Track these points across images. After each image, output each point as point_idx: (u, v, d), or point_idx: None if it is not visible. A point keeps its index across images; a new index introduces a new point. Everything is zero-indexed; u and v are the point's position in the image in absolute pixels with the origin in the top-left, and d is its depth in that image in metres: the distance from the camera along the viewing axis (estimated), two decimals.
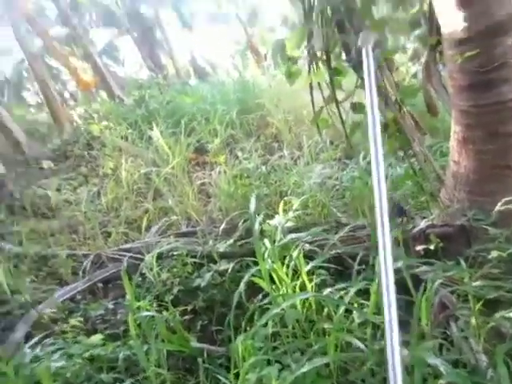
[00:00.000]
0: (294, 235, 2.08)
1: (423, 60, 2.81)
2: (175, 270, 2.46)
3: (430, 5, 2.57)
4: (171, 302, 2.18)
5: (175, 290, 2.31)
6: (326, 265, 2.16)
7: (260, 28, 16.66)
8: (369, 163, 3.36)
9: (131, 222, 3.63)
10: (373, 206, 2.97)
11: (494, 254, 1.97)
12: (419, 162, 2.68)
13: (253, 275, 1.92)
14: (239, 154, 3.95)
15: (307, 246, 2.16)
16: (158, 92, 7.84)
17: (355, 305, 1.85)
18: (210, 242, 2.59)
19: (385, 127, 2.68)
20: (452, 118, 2.53)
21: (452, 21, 2.26)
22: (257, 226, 1.79)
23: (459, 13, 2.20)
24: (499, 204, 1.95)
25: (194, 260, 2.52)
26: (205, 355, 1.86)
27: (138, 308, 2.03)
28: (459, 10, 2.19)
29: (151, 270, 2.43)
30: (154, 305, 2.21)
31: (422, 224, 2.24)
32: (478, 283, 1.74)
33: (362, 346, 1.51)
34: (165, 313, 2.07)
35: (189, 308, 2.23)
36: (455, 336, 1.76)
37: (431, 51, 2.73)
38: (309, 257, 2.12)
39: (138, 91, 7.42)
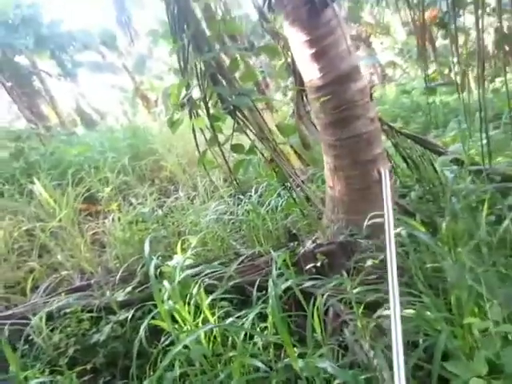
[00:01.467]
0: (190, 271, 2.11)
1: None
2: (69, 329, 2.26)
3: (293, 56, 2.99)
4: (67, 365, 1.99)
5: (71, 351, 2.12)
6: (228, 296, 2.24)
7: (148, 75, 16.88)
8: (260, 196, 3.62)
9: (13, 286, 3.24)
10: (266, 234, 3.16)
11: (369, 262, 2.28)
12: (302, 192, 2.99)
13: (154, 318, 1.89)
14: (133, 200, 3.88)
15: (206, 281, 2.20)
16: (39, 143, 7.30)
17: (258, 329, 1.94)
18: (107, 293, 2.46)
19: (269, 162, 2.96)
20: (323, 150, 2.92)
21: (309, 71, 2.68)
22: (152, 269, 1.79)
23: (314, 65, 2.62)
24: (366, 220, 2.28)
25: (90, 315, 2.35)
26: None
27: (26, 379, 1.81)
28: (313, 62, 2.61)
29: (40, 333, 2.20)
30: (46, 372, 1.99)
31: (309, 245, 2.48)
32: (357, 290, 1.98)
33: (263, 367, 1.58)
34: (60, 377, 1.88)
35: (88, 367, 2.06)
36: (348, 340, 1.95)
37: (298, 94, 3.16)
38: (210, 291, 2.17)
39: (14, 143, 6.79)
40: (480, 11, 2.57)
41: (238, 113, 2.06)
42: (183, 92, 2.24)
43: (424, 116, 6.68)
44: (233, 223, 3.32)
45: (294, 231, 2.77)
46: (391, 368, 1.58)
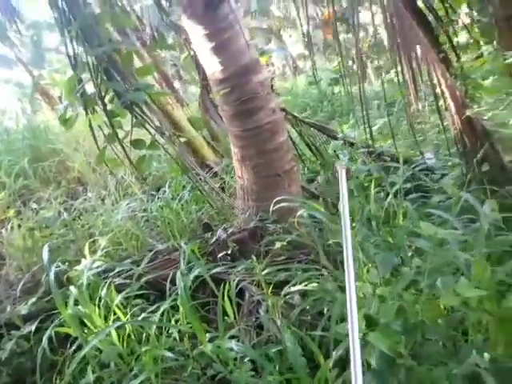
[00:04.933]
0: (100, 273, 2.05)
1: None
2: None
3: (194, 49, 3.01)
4: None
5: None
6: (145, 292, 2.22)
7: (49, 69, 15.43)
8: (175, 191, 3.60)
9: None
10: (181, 228, 3.14)
11: (278, 244, 2.41)
12: (207, 183, 3.04)
13: (61, 326, 1.81)
14: (35, 205, 3.59)
15: (118, 281, 2.16)
16: None
17: (172, 321, 1.96)
18: (8, 308, 2.28)
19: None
20: (231, 142, 3.00)
21: (211, 64, 2.72)
22: (52, 276, 1.71)
23: (214, 58, 2.67)
24: (272, 205, 2.41)
25: None
26: None
27: None
28: (214, 56, 2.66)
29: None
30: None
31: (222, 234, 2.55)
32: (266, 271, 2.11)
33: (173, 356, 1.61)
34: None
35: None
36: (262, 318, 2.06)
37: (204, 87, 3.19)
38: (123, 291, 2.13)
39: None
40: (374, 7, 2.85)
41: (136, 108, 2.03)
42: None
43: (330, 105, 7.16)
44: (147, 220, 3.26)
45: (208, 222, 2.82)
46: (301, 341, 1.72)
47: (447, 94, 2.46)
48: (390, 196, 2.24)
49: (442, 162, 3.06)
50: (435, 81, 2.48)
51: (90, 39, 1.85)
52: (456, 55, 2.82)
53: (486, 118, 2.86)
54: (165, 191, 3.51)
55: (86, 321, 1.91)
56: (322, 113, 6.99)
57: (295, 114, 3.70)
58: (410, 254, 1.78)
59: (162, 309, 1.78)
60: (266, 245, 2.42)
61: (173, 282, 2.16)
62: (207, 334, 1.71)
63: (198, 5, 2.60)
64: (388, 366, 1.24)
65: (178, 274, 1.71)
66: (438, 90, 2.49)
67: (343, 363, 1.53)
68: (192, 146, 4.23)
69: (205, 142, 4.46)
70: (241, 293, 2.25)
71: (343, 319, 1.62)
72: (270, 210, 2.46)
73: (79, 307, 1.91)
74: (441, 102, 2.50)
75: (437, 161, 3.14)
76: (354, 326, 0.89)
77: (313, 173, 3.78)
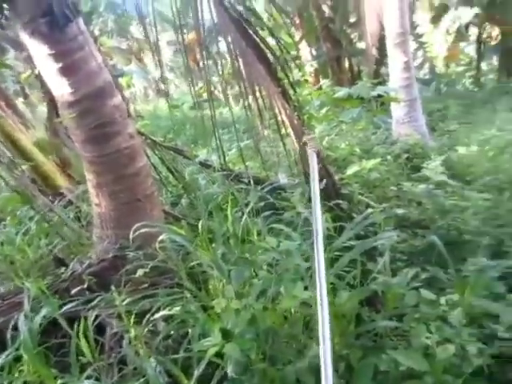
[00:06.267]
0: None
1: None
2: None
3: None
4: None
5: None
6: None
7: None
8: (19, 223, 3.18)
9: None
10: (28, 265, 2.80)
11: (140, 272, 2.36)
12: (55, 213, 2.80)
13: None
14: None
15: None
16: None
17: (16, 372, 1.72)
18: None
19: None
20: (84, 167, 2.83)
21: (58, 86, 2.55)
22: None
23: (63, 79, 2.51)
24: (132, 231, 2.35)
25: None
26: None
27: None
28: (62, 77, 2.50)
29: None
30: None
31: (77, 267, 2.36)
32: (127, 301, 2.04)
33: None
34: None
35: None
36: (126, 352, 1.96)
37: (51, 109, 2.95)
38: None
39: None
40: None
41: None
42: None
43: (192, 128, 7.35)
44: None
45: (59, 256, 2.58)
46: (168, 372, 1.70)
47: (287, 123, 2.83)
48: (245, 215, 2.43)
49: (291, 181, 3.46)
50: (277, 111, 2.84)
51: None
52: (293, 89, 3.23)
53: (322, 142, 3.36)
54: (5, 225, 3.07)
55: None
56: (184, 136, 7.12)
57: (154, 139, 3.70)
58: (263, 267, 1.97)
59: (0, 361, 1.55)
60: (127, 274, 2.34)
61: (17, 328, 1.91)
62: (60, 380, 1.56)
63: (41, 23, 2.43)
64: (243, 372, 1.34)
65: (21, 318, 1.53)
66: (279, 119, 2.85)
67: (208, 379, 1.58)
68: (41, 172, 3.82)
69: (57, 167, 4.07)
70: (101, 328, 2.11)
71: (205, 336, 1.69)
72: (131, 236, 2.40)
73: None
74: (283, 130, 2.86)
75: (287, 180, 3.54)
76: (325, 335, 0.95)
77: (176, 196, 3.81)
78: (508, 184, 3.28)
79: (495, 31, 11.63)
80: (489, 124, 5.70)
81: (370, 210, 2.18)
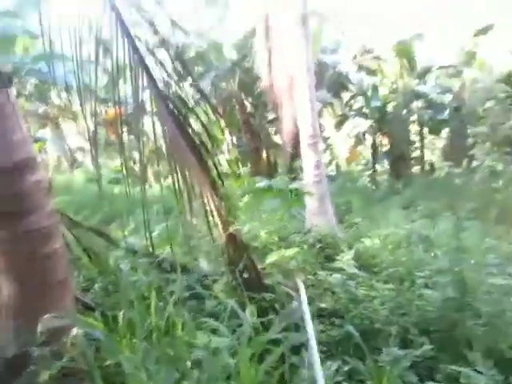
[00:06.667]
0: None
1: None
2: None
3: None
4: None
5: None
6: None
7: None
8: None
9: None
10: None
11: (45, 375, 2.05)
12: None
13: None
14: None
15: None
16: None
17: None
18: None
19: None
20: None
21: None
22: None
23: None
24: (40, 324, 2.10)
25: None
26: None
27: None
28: None
29: None
30: None
31: None
32: None
33: None
34: None
35: None
36: None
37: None
38: None
39: None
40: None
41: None
42: None
43: (110, 205, 7.03)
44: None
45: None
46: None
47: (215, 213, 2.96)
48: (170, 305, 2.35)
49: (213, 268, 3.47)
50: (205, 200, 2.96)
51: None
52: (221, 180, 3.38)
53: (244, 231, 3.51)
54: None
55: None
56: (101, 213, 6.77)
57: (71, 217, 3.51)
58: (189, 365, 1.88)
59: None
60: (29, 377, 2.02)
61: None
62: None
63: None
64: None
65: None
66: (207, 208, 2.96)
67: None
68: None
69: None
70: None
71: None
72: (38, 329, 2.13)
73: None
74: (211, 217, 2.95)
75: (210, 268, 3.53)
76: None
77: (88, 280, 3.50)
78: (406, 275, 3.70)
79: (385, 140, 13.85)
80: (385, 220, 6.54)
81: (295, 303, 2.28)
